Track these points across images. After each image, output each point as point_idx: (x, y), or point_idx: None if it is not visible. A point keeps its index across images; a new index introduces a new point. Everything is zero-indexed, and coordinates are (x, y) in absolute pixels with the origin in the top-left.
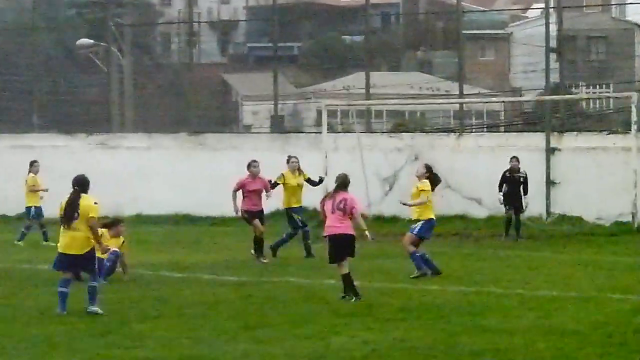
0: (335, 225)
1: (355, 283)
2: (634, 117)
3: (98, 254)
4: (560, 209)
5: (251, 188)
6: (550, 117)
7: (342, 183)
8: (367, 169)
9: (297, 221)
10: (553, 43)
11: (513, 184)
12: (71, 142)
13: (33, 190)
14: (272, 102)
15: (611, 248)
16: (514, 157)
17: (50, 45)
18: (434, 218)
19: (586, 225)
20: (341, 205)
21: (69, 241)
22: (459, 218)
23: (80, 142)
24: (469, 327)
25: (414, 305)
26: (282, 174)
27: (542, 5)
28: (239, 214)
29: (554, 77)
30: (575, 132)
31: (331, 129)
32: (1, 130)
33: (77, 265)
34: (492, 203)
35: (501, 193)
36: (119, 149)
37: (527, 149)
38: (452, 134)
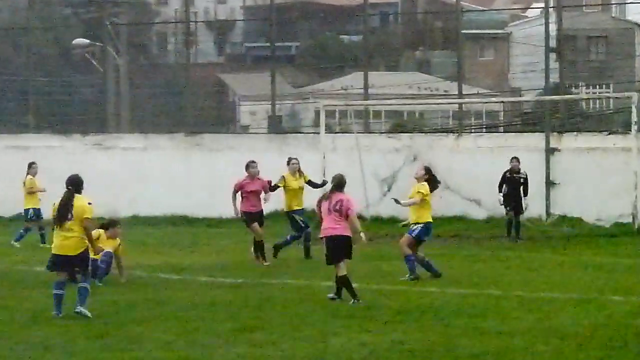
0: (331, 226)
1: (353, 285)
2: (634, 118)
3: (91, 255)
4: (560, 210)
5: (250, 189)
6: (550, 118)
7: (338, 184)
8: (366, 170)
9: (300, 222)
10: (553, 43)
11: (513, 185)
12: (67, 143)
13: (31, 192)
14: (270, 103)
15: (611, 249)
16: (514, 157)
17: (46, 45)
18: (432, 222)
19: (586, 227)
20: (337, 207)
21: (62, 242)
22: (458, 219)
23: (76, 142)
24: (468, 329)
25: (413, 307)
26: (283, 177)
27: (542, 5)
28: (239, 216)
29: (554, 77)
30: (575, 133)
31: (329, 129)
32: None
33: (70, 266)
34: (491, 204)
35: (501, 194)
36: (115, 149)
37: (526, 149)
38: (451, 134)
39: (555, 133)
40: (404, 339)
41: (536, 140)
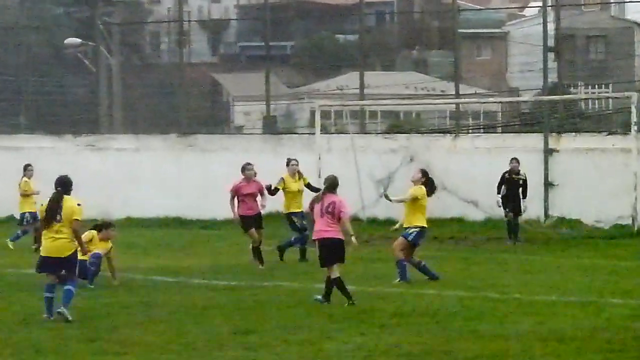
0: (323, 229)
1: (348, 287)
2: (633, 118)
3: (80, 256)
4: (559, 212)
5: (246, 192)
6: (549, 118)
7: (331, 185)
8: (361, 171)
9: (298, 225)
10: (551, 42)
11: (513, 186)
12: (59, 144)
13: (25, 195)
14: (264, 103)
15: (611, 251)
16: (514, 158)
17: (37, 45)
18: (426, 226)
19: (585, 228)
20: (330, 209)
21: (51, 244)
22: (455, 221)
23: (68, 143)
24: (464, 332)
25: (409, 310)
26: (283, 179)
27: (540, 4)
28: (239, 221)
29: (552, 77)
30: (573, 133)
31: (324, 130)
32: None
33: (59, 268)
34: (489, 206)
35: (500, 195)
36: (108, 150)
37: (524, 150)
38: (448, 135)
39: (553, 133)
40: (400, 342)
41: (534, 140)
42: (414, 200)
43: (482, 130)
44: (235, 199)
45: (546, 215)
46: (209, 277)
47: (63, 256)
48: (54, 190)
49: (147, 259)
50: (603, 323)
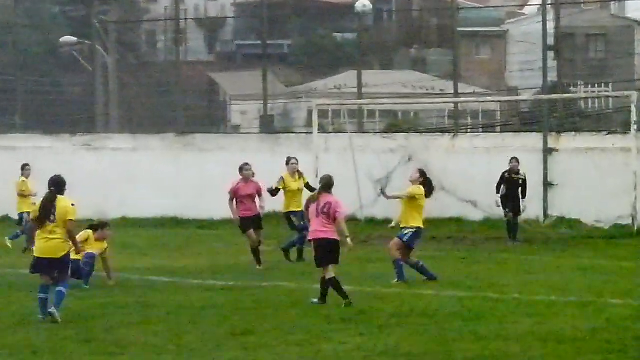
0: (319, 229)
1: (345, 288)
2: (633, 117)
3: (73, 255)
4: (558, 212)
5: (244, 193)
6: (548, 117)
7: (326, 185)
8: (359, 171)
9: (297, 224)
10: (550, 41)
11: (512, 186)
12: (55, 143)
13: (22, 195)
14: (262, 102)
15: (610, 251)
16: (513, 158)
17: (33, 43)
18: (422, 227)
19: (585, 228)
20: (325, 209)
21: (44, 244)
22: (454, 221)
23: (64, 142)
24: (463, 333)
25: (407, 311)
26: (282, 178)
27: (540, 2)
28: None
29: (552, 76)
30: (573, 133)
31: (322, 129)
32: None
33: (53, 268)
34: (488, 205)
35: (499, 195)
36: (104, 150)
37: (524, 149)
38: (447, 134)
39: (553, 133)
40: (399, 343)
41: (534, 140)
42: (412, 199)
43: (481, 130)
44: (234, 200)
45: (546, 215)
46: (206, 277)
47: (57, 257)
48: (48, 190)
49: (143, 259)
50: (603, 323)
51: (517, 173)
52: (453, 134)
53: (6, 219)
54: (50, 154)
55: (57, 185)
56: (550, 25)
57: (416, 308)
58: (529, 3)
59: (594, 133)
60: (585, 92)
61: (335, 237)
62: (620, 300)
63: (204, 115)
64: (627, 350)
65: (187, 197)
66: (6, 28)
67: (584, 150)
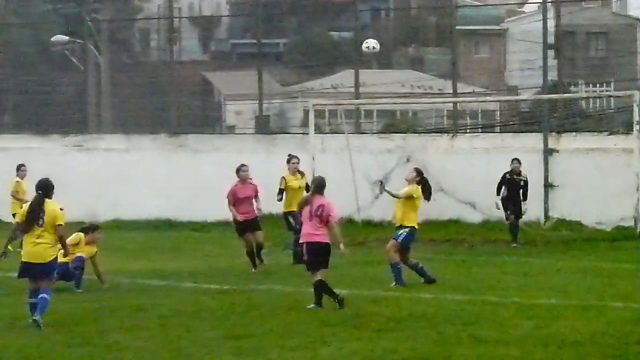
0: (311, 232)
1: (343, 291)
2: (635, 117)
3: (61, 258)
4: (559, 213)
5: (241, 195)
6: (548, 117)
7: (319, 186)
8: (356, 172)
9: (294, 225)
10: (551, 39)
11: (513, 188)
12: (46, 144)
13: (14, 196)
14: (257, 102)
15: (612, 254)
16: (515, 159)
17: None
18: (416, 227)
19: (586, 230)
20: (319, 212)
21: (31, 249)
22: (453, 223)
23: (56, 143)
24: (462, 338)
25: (405, 315)
26: (284, 178)
27: (540, 0)
28: (240, 218)
29: (552, 75)
30: (574, 133)
31: (319, 129)
32: None
33: (40, 273)
34: (487, 207)
35: (499, 196)
36: (96, 150)
37: (524, 150)
38: (446, 134)
39: (553, 133)
40: (396, 348)
41: (534, 140)
42: (408, 198)
43: (480, 130)
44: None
45: (546, 216)
46: (200, 280)
47: (44, 261)
48: (35, 194)
49: (136, 261)
50: (604, 327)
51: (519, 174)
52: (452, 134)
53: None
54: (41, 154)
55: (45, 188)
56: (551, 24)
57: (414, 312)
58: (528, 1)
59: (596, 133)
60: (586, 91)
61: (327, 240)
62: (621, 303)
63: (199, 116)
64: (628, 354)
65: (181, 198)
66: None
67: (585, 150)
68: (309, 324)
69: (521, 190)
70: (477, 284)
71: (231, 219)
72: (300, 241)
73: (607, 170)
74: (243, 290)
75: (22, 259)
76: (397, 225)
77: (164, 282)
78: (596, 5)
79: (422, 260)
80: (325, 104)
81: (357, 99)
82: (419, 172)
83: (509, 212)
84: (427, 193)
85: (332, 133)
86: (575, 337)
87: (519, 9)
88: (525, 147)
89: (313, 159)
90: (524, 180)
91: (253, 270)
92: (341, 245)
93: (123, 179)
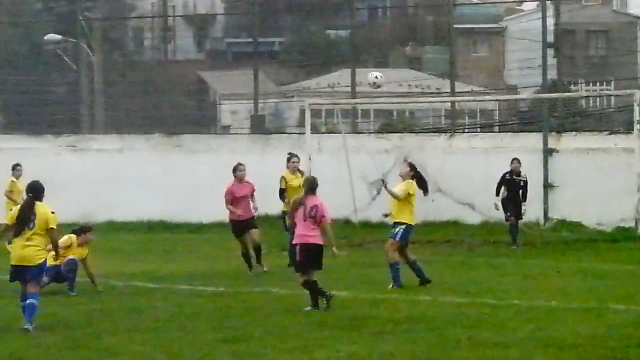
0: (305, 233)
1: (341, 293)
2: (636, 117)
3: (51, 261)
4: (559, 214)
5: (238, 195)
6: (548, 117)
7: (311, 187)
8: (353, 172)
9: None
10: (550, 38)
11: (513, 188)
12: (38, 144)
13: (8, 196)
14: (252, 101)
15: (613, 255)
16: (515, 159)
17: (16, 41)
18: (412, 224)
19: (586, 231)
20: (312, 213)
21: (21, 252)
22: (451, 224)
23: (48, 143)
24: (461, 340)
25: (403, 317)
26: (283, 177)
27: None
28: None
29: (552, 74)
30: (574, 133)
31: (315, 129)
32: None
33: (29, 276)
34: (486, 208)
35: (499, 197)
36: (89, 151)
37: (523, 150)
38: (444, 134)
39: (553, 133)
40: (394, 351)
41: (533, 140)
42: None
43: (478, 130)
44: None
45: (546, 217)
46: (196, 282)
47: (33, 264)
48: (26, 196)
49: (130, 264)
50: (605, 330)
51: (519, 174)
52: (450, 134)
53: None
54: (33, 155)
55: (35, 191)
56: (550, 22)
57: (413, 314)
58: None
59: (596, 133)
60: (586, 90)
61: (321, 241)
62: (622, 305)
63: (193, 115)
64: (629, 357)
65: (175, 199)
66: None
67: (585, 150)
68: (306, 326)
69: (521, 191)
70: (476, 286)
71: (227, 220)
72: (294, 242)
73: (607, 170)
74: (239, 293)
75: (11, 262)
76: (393, 222)
77: (158, 285)
78: (596, 3)
79: (420, 262)
80: (322, 104)
81: (354, 99)
82: (412, 167)
83: (508, 214)
84: (423, 187)
85: (328, 133)
86: (575, 340)
87: (518, 7)
88: (524, 147)
89: (309, 159)
90: (524, 181)
91: (249, 272)
92: (334, 249)
93: (117, 179)
